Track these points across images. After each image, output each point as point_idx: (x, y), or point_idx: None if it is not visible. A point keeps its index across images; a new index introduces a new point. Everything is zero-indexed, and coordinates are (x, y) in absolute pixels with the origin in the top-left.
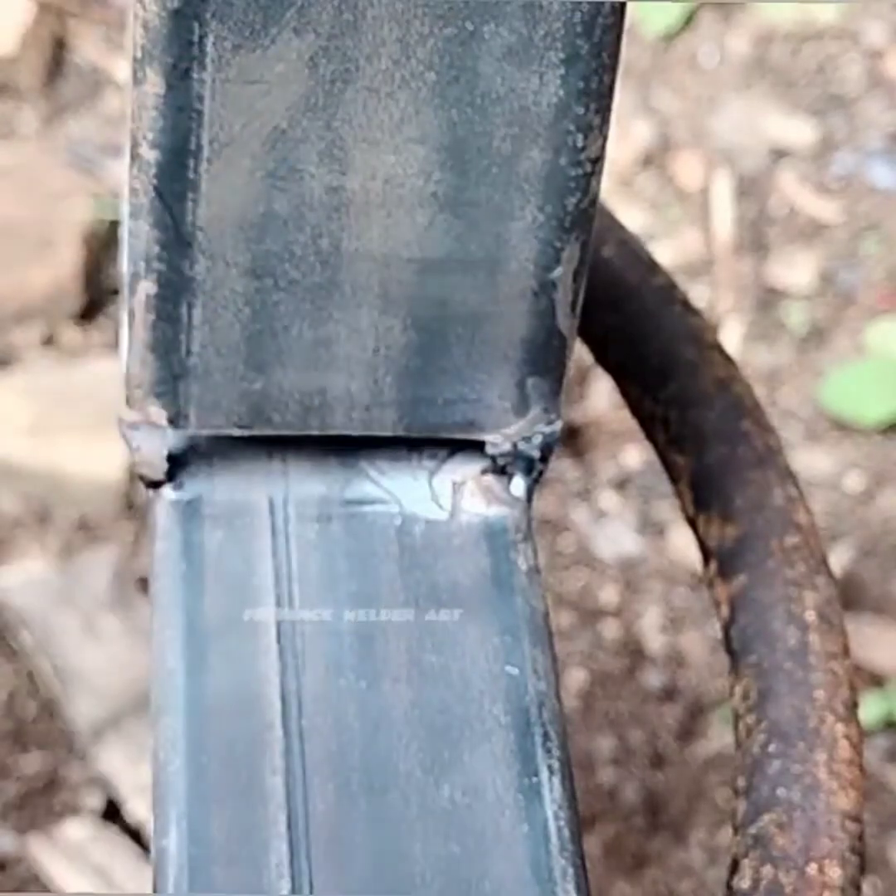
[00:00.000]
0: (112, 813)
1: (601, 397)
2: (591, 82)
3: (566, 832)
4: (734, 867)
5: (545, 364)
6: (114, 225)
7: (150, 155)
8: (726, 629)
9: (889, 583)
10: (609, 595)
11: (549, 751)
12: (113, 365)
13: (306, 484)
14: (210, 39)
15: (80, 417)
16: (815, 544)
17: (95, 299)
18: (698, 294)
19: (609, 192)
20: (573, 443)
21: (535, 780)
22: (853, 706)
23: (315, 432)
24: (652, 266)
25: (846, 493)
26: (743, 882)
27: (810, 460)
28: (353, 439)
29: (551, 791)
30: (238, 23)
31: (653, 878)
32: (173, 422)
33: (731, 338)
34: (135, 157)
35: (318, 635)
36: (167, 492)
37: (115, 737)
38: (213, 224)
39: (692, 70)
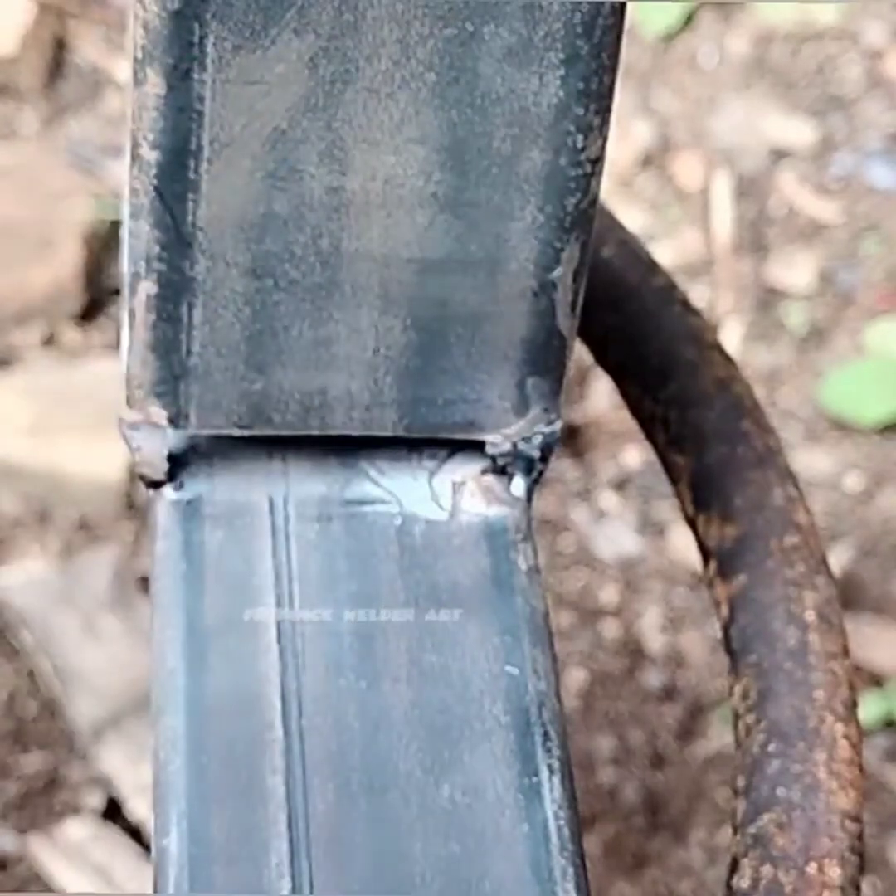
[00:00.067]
0: (112, 812)
1: (601, 397)
2: (591, 83)
3: (566, 832)
4: (734, 867)
5: (545, 364)
6: (114, 225)
7: (150, 155)
8: (726, 629)
9: (889, 583)
10: (609, 595)
11: (549, 750)
12: (113, 365)
13: (306, 484)
14: (210, 40)
15: (81, 417)
16: (814, 544)
17: (96, 299)
18: (698, 294)
19: (609, 192)
20: (573, 443)
21: (535, 779)
22: (853, 706)
23: (315, 432)
24: (652, 266)
25: (846, 493)
26: (743, 881)
27: (810, 460)
28: (353, 439)
29: (551, 791)
30: (238, 23)
31: (653, 877)
32: (174, 422)
33: (731, 338)
34: (135, 157)
35: (318, 635)
36: (167, 492)
37: (116, 736)
38: (214, 224)
39: (692, 70)
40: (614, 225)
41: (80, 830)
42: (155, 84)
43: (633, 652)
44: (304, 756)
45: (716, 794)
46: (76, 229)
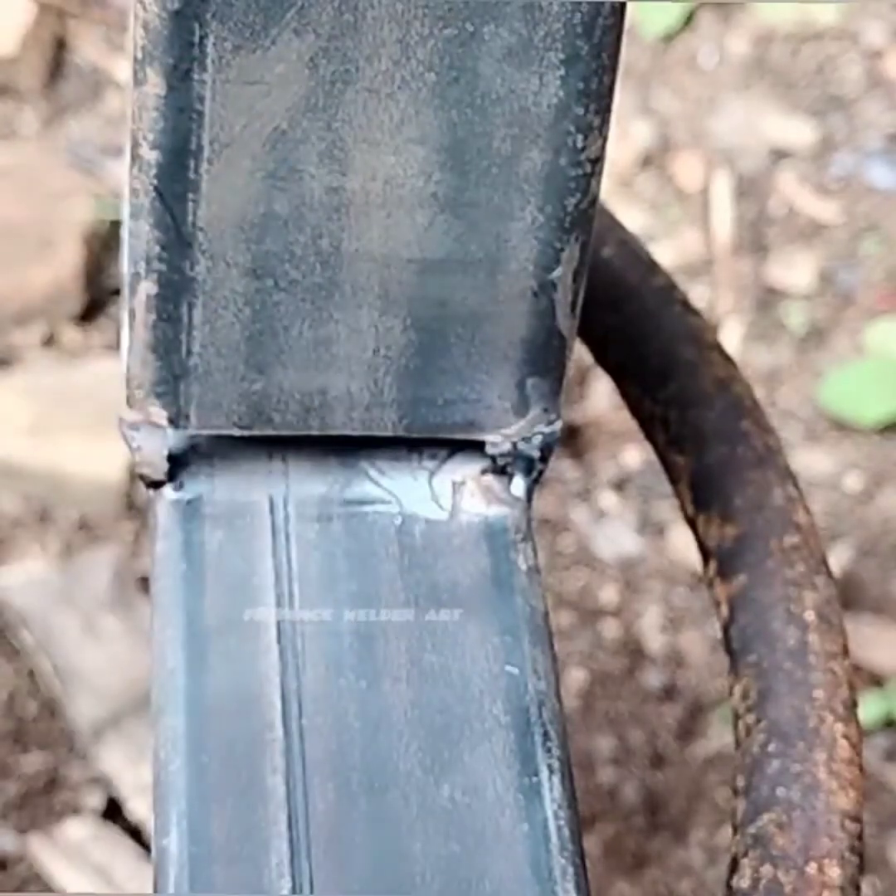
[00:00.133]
0: (112, 812)
1: (601, 397)
2: (590, 83)
3: (566, 831)
4: (734, 866)
5: (545, 364)
6: (114, 225)
7: (150, 155)
8: (726, 629)
9: (888, 583)
10: (609, 595)
11: (549, 750)
12: (113, 365)
13: (306, 484)
14: (210, 40)
15: (81, 417)
16: (814, 544)
17: (96, 299)
18: (698, 294)
19: (609, 192)
20: (573, 443)
21: (534, 779)
22: (852, 706)
23: (315, 432)
24: (652, 266)
25: (845, 493)
26: (742, 881)
27: (810, 460)
28: (353, 439)
29: (551, 790)
30: (238, 24)
31: (652, 877)
32: (174, 422)
33: (731, 338)
34: (135, 157)
35: (319, 635)
36: (168, 492)
37: (116, 736)
38: (214, 224)
39: (692, 71)
40: (614, 225)
41: (80, 830)
42: (155, 84)
43: (633, 652)
44: (304, 756)
45: (716, 794)
46: (76, 229)
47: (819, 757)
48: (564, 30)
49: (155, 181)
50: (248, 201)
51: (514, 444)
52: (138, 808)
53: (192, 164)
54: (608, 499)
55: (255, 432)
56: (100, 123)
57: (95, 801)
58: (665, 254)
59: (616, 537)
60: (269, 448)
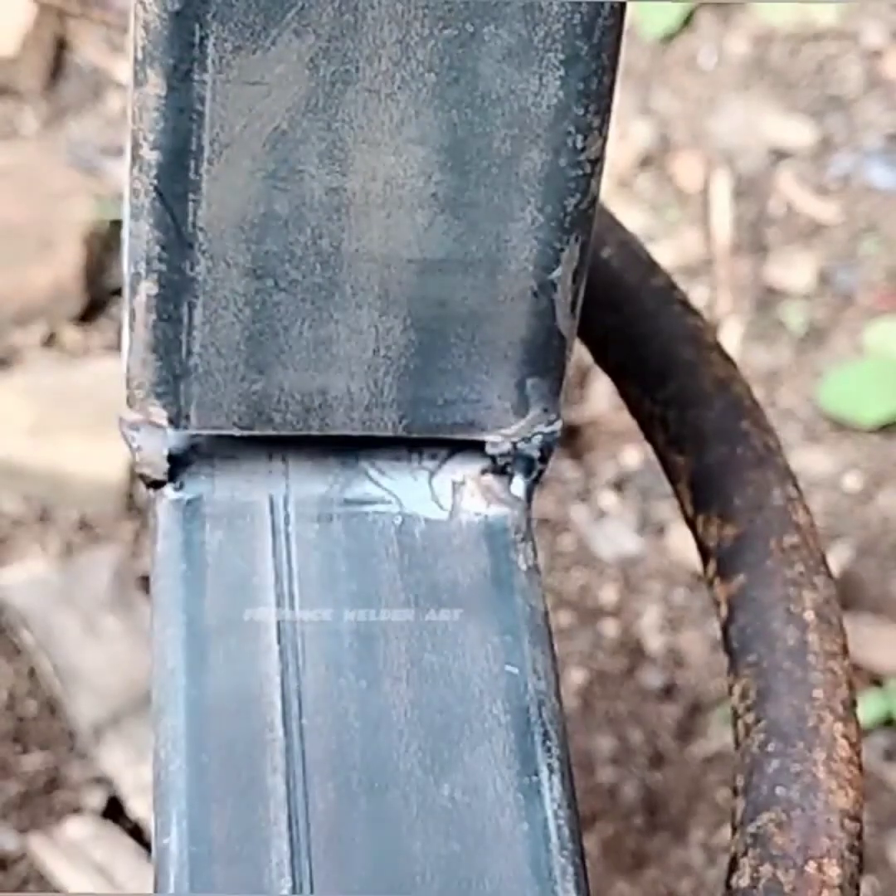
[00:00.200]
0: (113, 812)
1: (601, 397)
2: (590, 83)
3: (566, 831)
4: (733, 866)
5: (545, 364)
6: (114, 225)
7: (151, 156)
8: (725, 629)
9: (888, 582)
10: (608, 595)
11: (548, 750)
12: (113, 365)
13: (306, 484)
14: (211, 41)
15: (81, 417)
16: (813, 544)
17: (96, 300)
18: (698, 294)
19: (609, 192)
20: (573, 443)
21: (534, 779)
22: (852, 705)
23: (315, 432)
24: (651, 267)
25: (845, 493)
26: (742, 880)
27: (809, 460)
28: (353, 439)
29: (551, 790)
30: (239, 24)
31: (652, 877)
32: (174, 422)
33: (731, 338)
34: (136, 157)
35: (319, 635)
36: (168, 491)
37: (116, 736)
38: (214, 224)
39: (691, 71)
40: (614, 225)
41: (80, 830)
42: (155, 84)
43: (633, 652)
44: (304, 755)
45: (715, 793)
46: (76, 229)
47: (818, 756)
48: (564, 30)
49: (155, 181)
50: (248, 201)
51: (514, 444)
52: (138, 808)
53: (192, 164)
54: (608, 499)
55: (256, 432)
56: (100, 124)
57: (96, 800)
58: (665, 254)
59: (616, 537)
60: (269, 448)
